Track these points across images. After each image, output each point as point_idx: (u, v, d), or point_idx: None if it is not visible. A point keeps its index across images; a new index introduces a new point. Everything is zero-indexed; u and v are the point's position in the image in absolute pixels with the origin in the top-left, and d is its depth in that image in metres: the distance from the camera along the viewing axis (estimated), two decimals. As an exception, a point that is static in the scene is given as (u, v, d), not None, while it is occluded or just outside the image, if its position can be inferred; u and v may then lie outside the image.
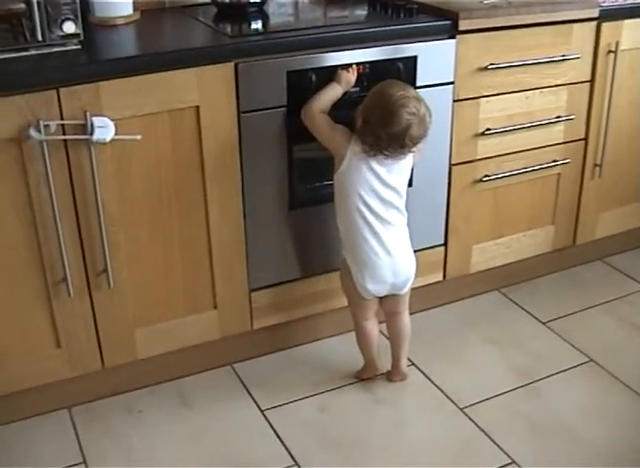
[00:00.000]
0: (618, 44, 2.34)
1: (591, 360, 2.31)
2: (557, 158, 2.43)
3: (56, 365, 2.03)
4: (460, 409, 2.13)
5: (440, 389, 2.20)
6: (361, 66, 2.05)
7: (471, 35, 2.15)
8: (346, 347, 2.32)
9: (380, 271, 2.03)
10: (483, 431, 2.05)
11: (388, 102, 1.91)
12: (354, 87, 2.04)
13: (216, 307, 2.15)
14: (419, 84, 2.12)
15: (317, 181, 2.14)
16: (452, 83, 2.18)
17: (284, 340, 2.37)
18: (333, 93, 2.02)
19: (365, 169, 1.97)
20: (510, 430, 2.05)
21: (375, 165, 1.97)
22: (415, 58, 2.10)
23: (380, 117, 1.91)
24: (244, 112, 1.98)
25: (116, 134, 1.83)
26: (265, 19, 2.29)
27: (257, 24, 2.25)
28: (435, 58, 2.13)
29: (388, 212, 2.00)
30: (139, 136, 1.87)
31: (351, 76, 2.03)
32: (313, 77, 2.00)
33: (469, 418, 2.09)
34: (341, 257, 2.11)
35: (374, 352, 2.20)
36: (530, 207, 2.48)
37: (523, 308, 2.56)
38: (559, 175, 2.48)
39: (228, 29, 2.18)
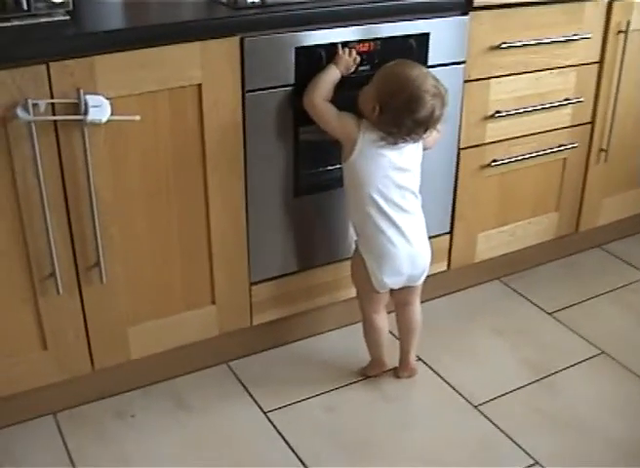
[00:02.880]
0: (629, 24, 2.25)
1: (603, 352, 2.22)
2: (564, 142, 2.33)
3: (42, 368, 1.85)
4: (475, 407, 2.01)
5: (451, 385, 2.08)
6: (370, 44, 1.92)
7: (484, 12, 2.02)
8: (350, 341, 2.20)
9: (398, 262, 1.90)
10: (500, 429, 1.94)
11: (409, 87, 1.77)
12: (363, 65, 1.90)
13: (214, 302, 1.99)
14: (430, 63, 1.99)
15: (323, 166, 2.00)
16: (463, 62, 2.06)
17: (283, 335, 2.22)
18: (331, 77, 1.86)
19: (377, 155, 1.84)
20: (529, 428, 1.95)
21: (387, 150, 1.84)
22: (427, 35, 1.97)
23: (404, 104, 1.77)
24: (249, 91, 1.82)
25: (112, 114, 1.66)
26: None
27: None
28: (448, 36, 2.00)
29: (404, 198, 1.88)
30: (137, 117, 1.69)
31: (350, 60, 1.88)
32: (323, 54, 1.85)
33: (485, 416, 1.98)
34: (354, 248, 1.99)
35: (383, 348, 2.07)
36: (535, 193, 2.39)
37: (527, 298, 2.46)
38: (565, 159, 2.38)
39: (230, 0, 2.01)
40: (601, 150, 2.43)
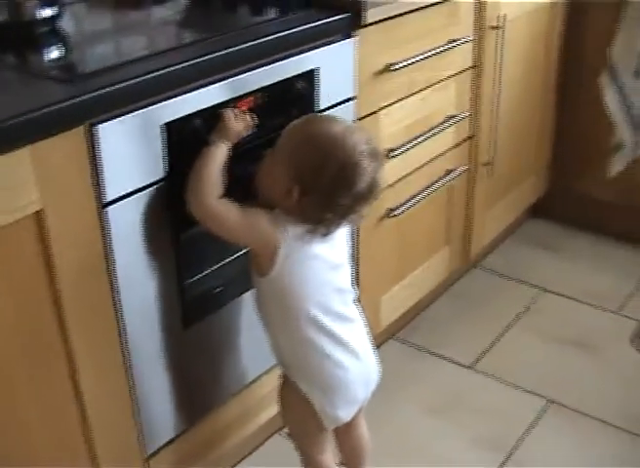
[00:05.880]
0: (504, 17, 1.90)
1: (550, 400, 1.88)
2: (451, 167, 1.93)
3: None
4: (455, 524, 1.61)
5: (415, 503, 1.65)
6: (251, 99, 1.35)
7: (366, 29, 1.54)
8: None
9: (352, 389, 1.39)
10: None
11: (339, 152, 1.25)
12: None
13: (101, 506, 1.37)
14: (322, 106, 1.49)
15: (211, 264, 1.41)
16: (354, 98, 1.57)
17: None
18: (218, 159, 1.27)
19: (309, 258, 1.31)
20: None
21: (318, 247, 1.31)
22: (315, 71, 1.45)
23: (337, 177, 1.24)
24: (108, 204, 1.20)
25: None
26: (68, 42, 1.46)
27: (78, 53, 1.43)
28: (336, 68, 1.50)
29: (346, 304, 1.37)
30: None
31: (241, 125, 1.30)
32: (200, 125, 1.28)
33: None
34: (282, 382, 1.44)
35: (338, 492, 1.57)
36: (426, 232, 1.98)
37: (436, 354, 2.04)
38: (452, 185, 1.99)
39: (61, 72, 1.32)
40: (485, 164, 2.08)
